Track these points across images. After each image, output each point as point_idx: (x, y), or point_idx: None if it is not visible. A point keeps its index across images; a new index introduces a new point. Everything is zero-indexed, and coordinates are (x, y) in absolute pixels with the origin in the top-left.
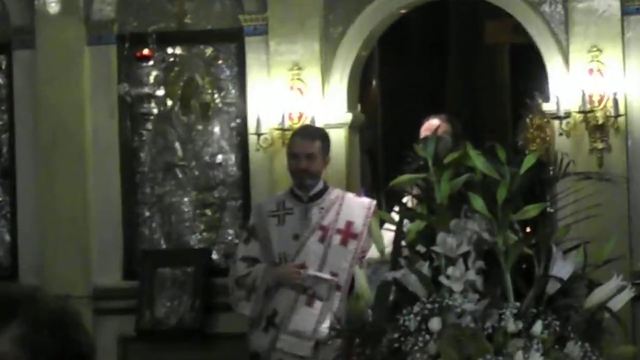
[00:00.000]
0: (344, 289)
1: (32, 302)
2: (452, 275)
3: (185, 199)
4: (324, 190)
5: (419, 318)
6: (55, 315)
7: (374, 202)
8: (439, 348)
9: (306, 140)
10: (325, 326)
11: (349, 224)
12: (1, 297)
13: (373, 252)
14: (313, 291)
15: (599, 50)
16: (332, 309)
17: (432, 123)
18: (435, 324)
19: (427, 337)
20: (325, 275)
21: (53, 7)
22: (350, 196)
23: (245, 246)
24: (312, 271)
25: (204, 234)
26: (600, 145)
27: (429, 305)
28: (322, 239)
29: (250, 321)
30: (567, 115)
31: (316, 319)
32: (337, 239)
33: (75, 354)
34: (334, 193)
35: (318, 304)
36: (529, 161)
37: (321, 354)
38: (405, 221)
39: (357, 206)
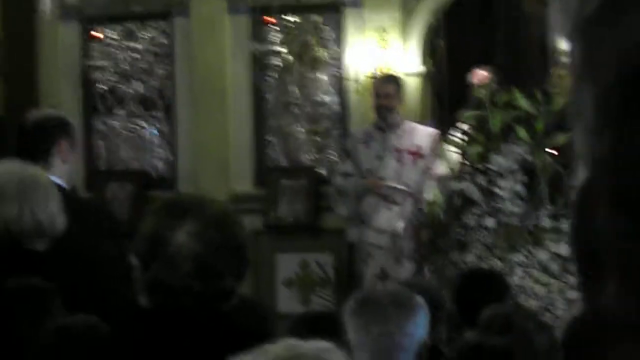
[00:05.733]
0: (415, 196)
1: (200, 206)
2: (503, 186)
3: (300, 129)
4: (400, 122)
5: (477, 218)
6: (220, 215)
7: (437, 131)
8: (493, 240)
9: (384, 84)
10: (400, 224)
11: (418, 147)
12: (175, 202)
13: (440, 169)
14: (391, 198)
15: None
16: (405, 211)
17: (481, 73)
18: (490, 222)
19: (484, 232)
20: (400, 186)
21: None
22: (419, 126)
23: (343, 164)
24: (390, 183)
25: (314, 154)
26: None
27: (485, 209)
28: (397, 159)
29: (347, 219)
30: None
31: (393, 219)
32: (409, 158)
33: (234, 244)
34: (407, 124)
35: (395, 207)
36: (557, 104)
37: (397, 245)
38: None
39: (424, 134)
